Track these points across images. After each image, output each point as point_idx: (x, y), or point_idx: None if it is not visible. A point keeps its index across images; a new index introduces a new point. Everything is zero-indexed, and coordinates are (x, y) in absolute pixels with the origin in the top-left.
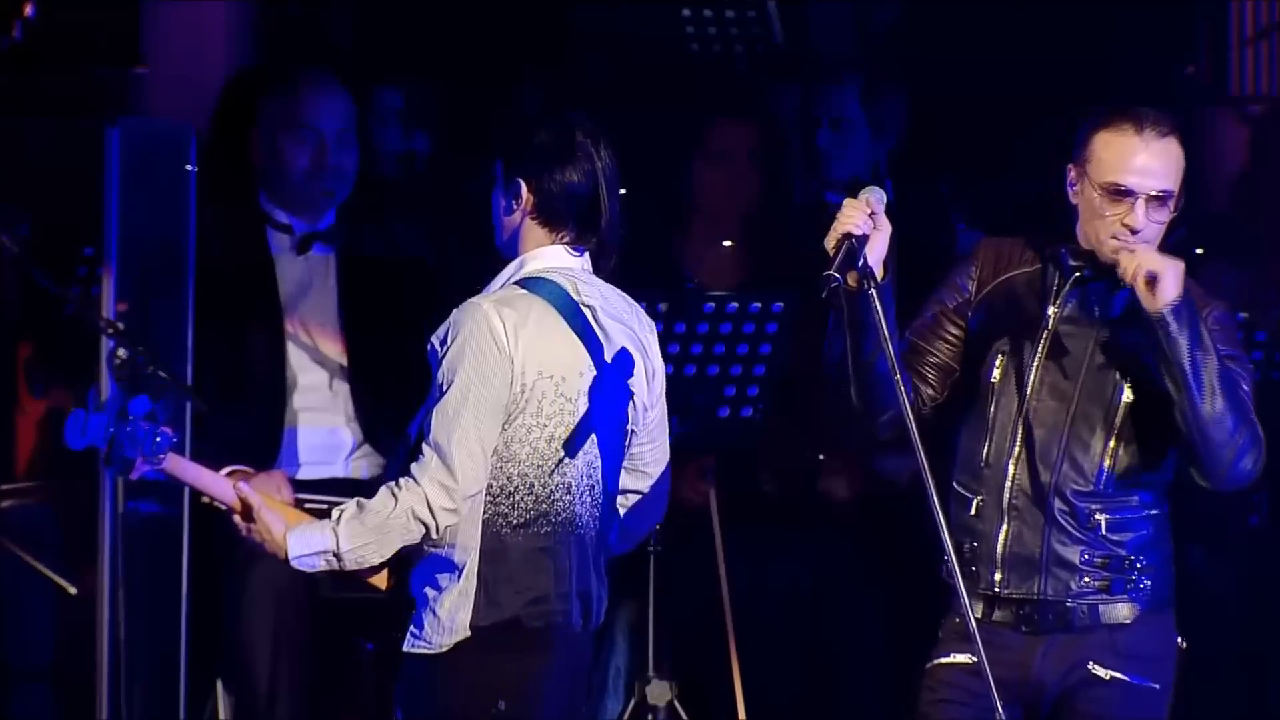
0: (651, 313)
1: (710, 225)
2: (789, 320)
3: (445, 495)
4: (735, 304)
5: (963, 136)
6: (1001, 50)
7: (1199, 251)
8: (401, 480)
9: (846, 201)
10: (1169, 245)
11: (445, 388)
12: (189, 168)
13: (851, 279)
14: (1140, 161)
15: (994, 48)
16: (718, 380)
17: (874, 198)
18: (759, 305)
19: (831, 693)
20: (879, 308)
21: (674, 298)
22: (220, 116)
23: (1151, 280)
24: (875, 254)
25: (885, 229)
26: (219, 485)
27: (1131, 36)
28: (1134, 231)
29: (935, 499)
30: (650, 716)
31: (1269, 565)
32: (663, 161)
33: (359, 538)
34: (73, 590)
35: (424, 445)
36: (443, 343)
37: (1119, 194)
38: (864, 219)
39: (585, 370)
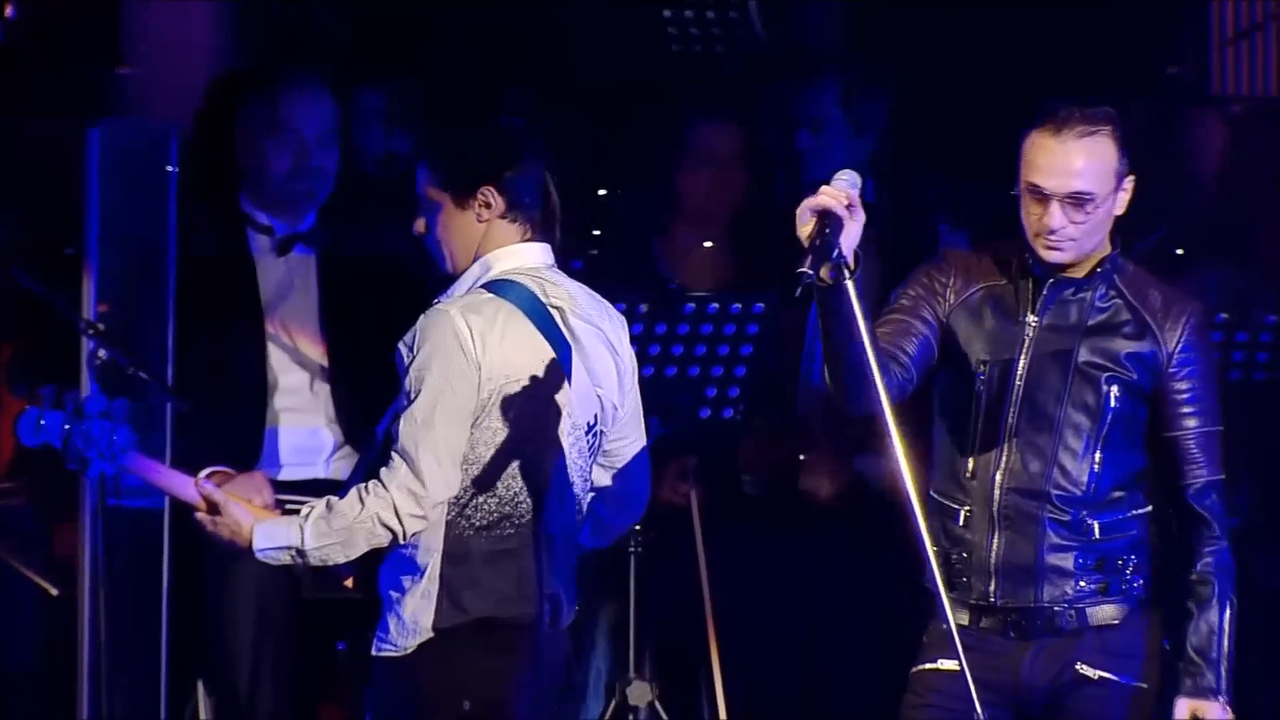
0: (633, 314)
1: (692, 226)
2: (770, 321)
3: (414, 502)
4: (716, 305)
5: (945, 137)
6: (985, 51)
7: (1180, 252)
8: (370, 485)
9: (822, 189)
10: (1149, 246)
11: (413, 395)
12: (170, 168)
13: (824, 272)
14: (1054, 162)
15: (978, 48)
16: (699, 381)
17: (849, 185)
18: (740, 306)
19: (814, 693)
20: (855, 299)
21: (655, 299)
22: (202, 117)
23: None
24: (849, 243)
25: (860, 219)
26: (181, 483)
27: (1115, 37)
28: (1051, 231)
29: (915, 500)
30: (631, 717)
31: (1250, 567)
32: (645, 163)
33: (324, 538)
34: (54, 591)
35: (392, 452)
36: (410, 349)
37: (1039, 195)
38: (842, 202)
39: (553, 374)
